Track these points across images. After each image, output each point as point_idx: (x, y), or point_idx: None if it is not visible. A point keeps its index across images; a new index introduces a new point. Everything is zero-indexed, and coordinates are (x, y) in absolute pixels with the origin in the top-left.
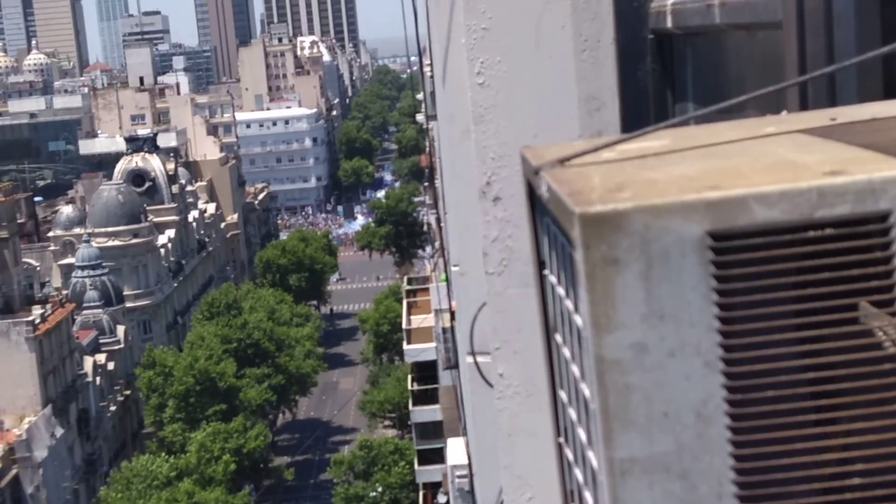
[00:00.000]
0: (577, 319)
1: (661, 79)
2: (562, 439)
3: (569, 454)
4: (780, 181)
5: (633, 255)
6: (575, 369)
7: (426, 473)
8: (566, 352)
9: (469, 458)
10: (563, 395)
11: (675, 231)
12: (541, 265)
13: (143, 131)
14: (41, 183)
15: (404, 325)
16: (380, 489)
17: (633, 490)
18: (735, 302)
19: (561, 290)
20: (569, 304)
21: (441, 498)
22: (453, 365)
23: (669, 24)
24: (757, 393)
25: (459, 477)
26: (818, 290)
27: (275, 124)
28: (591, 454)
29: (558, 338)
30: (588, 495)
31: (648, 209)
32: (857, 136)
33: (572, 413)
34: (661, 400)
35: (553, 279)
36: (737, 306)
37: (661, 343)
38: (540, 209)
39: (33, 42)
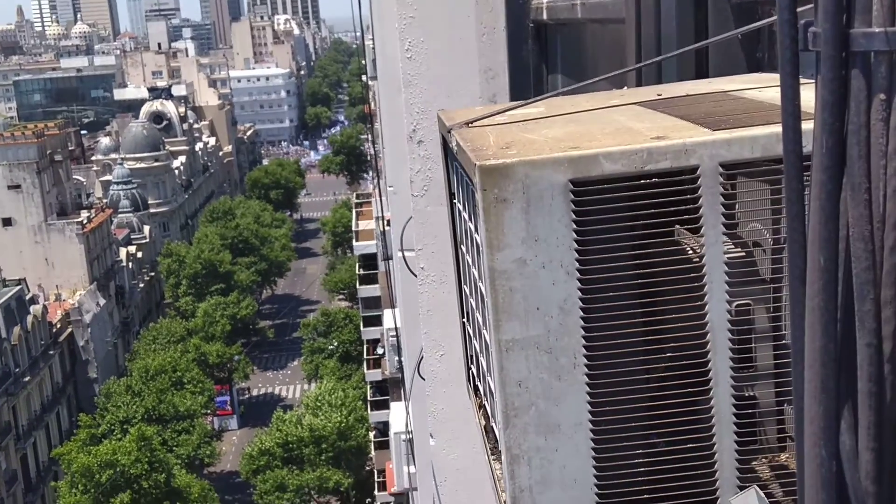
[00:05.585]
0: (477, 238)
1: (538, 56)
2: (464, 319)
3: (469, 330)
4: (621, 143)
5: (517, 196)
6: (475, 271)
7: (368, 333)
8: (469, 258)
9: (398, 323)
10: (465, 288)
11: (546, 179)
12: (451, 195)
13: (160, 84)
14: (86, 120)
15: (354, 228)
16: (335, 343)
17: (514, 361)
18: (588, 230)
19: (465, 215)
20: (471, 225)
21: (379, 350)
22: (388, 257)
23: (545, 16)
24: (602, 293)
25: (391, 336)
26: (647, 221)
27: (258, 80)
28: (485, 332)
29: (463, 248)
30: (483, 361)
31: (528, 163)
32: (676, 108)
33: (472, 302)
34: (534, 298)
35: (460, 206)
36: (589, 233)
37: (536, 258)
38: (451, 157)
39: (78, 16)
